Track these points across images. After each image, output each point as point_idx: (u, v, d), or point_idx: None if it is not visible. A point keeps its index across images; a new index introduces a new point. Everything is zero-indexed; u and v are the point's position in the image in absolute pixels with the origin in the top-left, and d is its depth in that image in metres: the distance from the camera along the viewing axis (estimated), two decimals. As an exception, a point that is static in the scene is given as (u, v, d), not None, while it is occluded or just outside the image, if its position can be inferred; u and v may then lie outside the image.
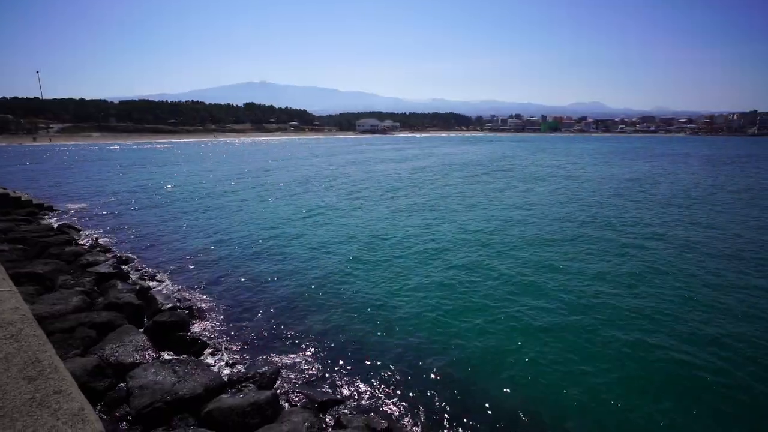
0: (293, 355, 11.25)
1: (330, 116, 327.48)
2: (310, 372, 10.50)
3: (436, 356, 11.18)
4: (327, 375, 10.36)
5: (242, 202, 34.68)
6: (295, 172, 56.99)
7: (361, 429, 7.67)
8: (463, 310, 13.93)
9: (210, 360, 10.82)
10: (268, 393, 8.72)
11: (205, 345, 11.44)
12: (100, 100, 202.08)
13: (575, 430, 8.49)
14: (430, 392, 9.68)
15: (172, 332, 11.59)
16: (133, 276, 16.70)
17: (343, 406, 9.13)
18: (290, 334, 12.42)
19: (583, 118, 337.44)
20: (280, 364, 10.74)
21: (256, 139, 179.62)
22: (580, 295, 14.73)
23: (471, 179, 48.73)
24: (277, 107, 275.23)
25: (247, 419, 8.09)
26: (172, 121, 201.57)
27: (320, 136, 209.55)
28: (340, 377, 10.28)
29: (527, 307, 13.88)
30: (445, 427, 8.56)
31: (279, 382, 9.95)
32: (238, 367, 10.52)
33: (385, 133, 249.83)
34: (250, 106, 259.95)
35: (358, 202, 34.13)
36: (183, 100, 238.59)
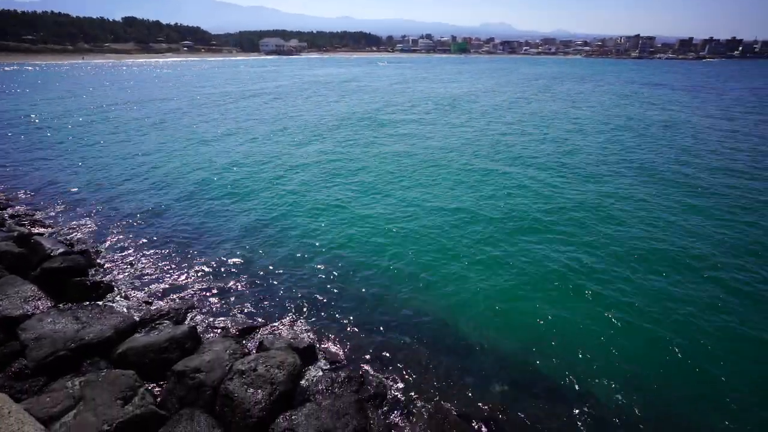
0: (208, 288, 11.05)
1: (229, 35, 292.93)
2: (228, 302, 10.47)
3: (351, 274, 11.69)
4: (245, 303, 10.43)
5: (119, 129, 30.85)
6: (191, 98, 51.40)
7: (283, 349, 7.98)
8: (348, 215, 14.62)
9: (117, 302, 10.24)
10: (185, 327, 8.59)
11: (110, 287, 10.73)
12: None
13: (470, 321, 9.72)
14: (348, 309, 10.25)
15: (67, 278, 10.62)
16: (9, 222, 14.61)
17: (264, 330, 9.36)
18: (202, 266, 12.07)
19: (491, 40, 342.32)
20: (195, 297, 10.53)
21: (140, 60, 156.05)
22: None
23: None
24: (165, 24, 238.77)
25: (166, 354, 7.98)
26: (29, 37, 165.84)
27: (219, 58, 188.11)
28: (259, 304, 10.40)
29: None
30: (364, 340, 9.24)
31: (196, 315, 9.83)
32: (151, 305, 10.12)
33: (292, 54, 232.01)
34: (131, 22, 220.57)
35: (251, 127, 32.26)
36: (39, 11, 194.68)
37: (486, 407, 7.46)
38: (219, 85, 67.63)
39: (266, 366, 7.33)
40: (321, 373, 8.04)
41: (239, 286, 11.12)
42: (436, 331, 9.46)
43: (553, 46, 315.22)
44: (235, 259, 12.47)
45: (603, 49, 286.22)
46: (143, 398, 6.51)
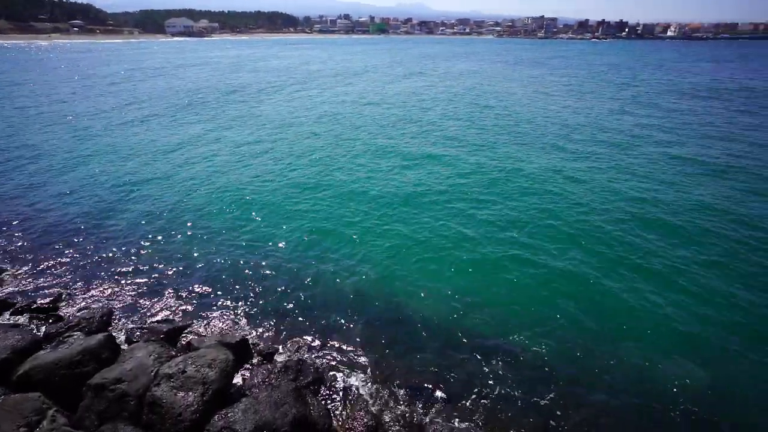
0: (123, 290, 10.17)
1: (128, 14, 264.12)
2: (148, 303, 9.74)
3: (277, 258, 11.38)
4: (167, 302, 9.77)
5: None
6: (84, 86, 45.98)
7: (214, 346, 7.62)
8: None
9: (14, 319, 9.09)
10: (99, 336, 7.85)
11: (2, 304, 9.48)
12: None
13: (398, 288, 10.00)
14: (279, 295, 10.01)
15: (-55, 298, 9.21)
16: None
17: (192, 329, 8.86)
18: (112, 267, 11.07)
19: (408, 20, 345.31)
20: (109, 303, 9.65)
21: (19, 42, 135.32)
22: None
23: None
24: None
25: (79, 369, 7.27)
26: None
27: (118, 40, 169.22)
28: (182, 302, 9.81)
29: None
30: (299, 326, 9.11)
31: (113, 322, 9.04)
32: (57, 318, 9.11)
33: (203, 36, 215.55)
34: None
35: (144, 109, 30.00)
36: None
37: (422, 375, 7.77)
38: (114, 68, 61.28)
39: (196, 366, 6.96)
40: (256, 366, 7.82)
41: (158, 285, 10.37)
42: (371, 308, 9.60)
43: (467, 27, 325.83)
44: (148, 256, 11.60)
45: (513, 29, 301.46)
46: (53, 421, 5.89)
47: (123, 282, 10.54)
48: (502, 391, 7.49)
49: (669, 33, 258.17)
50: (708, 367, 7.96)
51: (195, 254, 11.70)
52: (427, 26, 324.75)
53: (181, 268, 11.05)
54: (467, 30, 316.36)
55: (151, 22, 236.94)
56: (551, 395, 7.42)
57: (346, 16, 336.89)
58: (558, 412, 7.14)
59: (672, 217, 13.68)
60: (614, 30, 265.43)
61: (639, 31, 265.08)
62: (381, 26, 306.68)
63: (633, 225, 13.24)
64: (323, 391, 7.41)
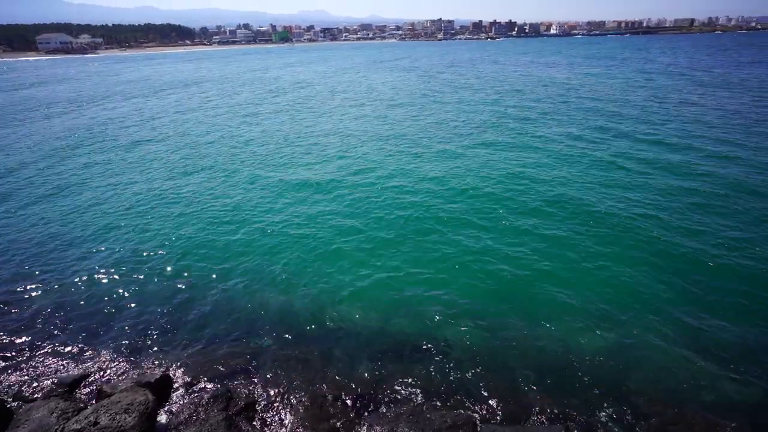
0: (9, 342, 8.83)
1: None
2: (43, 353, 8.56)
3: (193, 281, 10.67)
4: (68, 348, 8.67)
5: None
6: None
7: (130, 389, 6.93)
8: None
9: None
10: (-16, 402, 6.79)
11: None
12: None
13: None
14: (200, 321, 9.37)
15: None
16: None
17: (102, 374, 7.97)
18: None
19: (311, 28, 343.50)
20: (-6, 363, 8.35)
21: None
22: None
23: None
24: None
25: (-40, 445, 6.22)
26: None
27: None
28: (86, 344, 8.75)
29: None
30: (225, 352, 8.59)
31: None
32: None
33: (86, 53, 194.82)
34: None
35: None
36: None
37: (359, 384, 7.70)
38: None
39: (110, 414, 6.29)
40: (182, 401, 7.26)
41: (53, 329, 9.17)
42: (298, 324, 9.35)
43: (370, 32, 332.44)
44: (34, 295, 10.24)
45: (414, 32, 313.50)
46: None
47: (8, 330, 9.17)
48: (436, 388, 7.66)
49: (552, 31, 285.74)
50: (615, 335, 8.82)
51: (95, 285, 10.54)
52: (330, 33, 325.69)
53: (83, 303, 9.89)
54: (370, 35, 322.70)
55: (18, 38, 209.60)
56: (481, 382, 7.74)
57: (246, 26, 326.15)
58: (488, 398, 7.49)
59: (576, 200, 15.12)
60: (505, 29, 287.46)
61: (526, 30, 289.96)
62: (284, 35, 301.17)
63: (532, 205, 14.42)
64: (258, 415, 7.06)
